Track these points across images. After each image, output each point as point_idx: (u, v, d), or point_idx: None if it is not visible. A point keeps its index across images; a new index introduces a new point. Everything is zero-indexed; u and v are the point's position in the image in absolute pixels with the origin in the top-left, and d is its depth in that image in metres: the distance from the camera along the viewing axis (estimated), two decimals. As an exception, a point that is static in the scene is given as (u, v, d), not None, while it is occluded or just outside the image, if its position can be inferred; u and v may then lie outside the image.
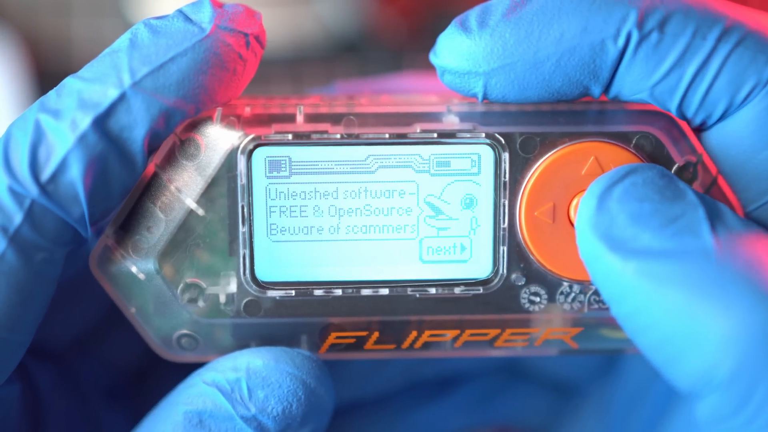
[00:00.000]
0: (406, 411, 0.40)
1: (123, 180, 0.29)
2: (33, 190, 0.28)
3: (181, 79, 0.28)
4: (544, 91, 0.29)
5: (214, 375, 0.30)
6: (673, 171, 0.30)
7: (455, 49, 0.29)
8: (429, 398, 0.40)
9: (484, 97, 0.29)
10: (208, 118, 0.30)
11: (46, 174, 0.28)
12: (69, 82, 0.29)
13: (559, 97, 0.29)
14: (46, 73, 1.07)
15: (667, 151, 0.30)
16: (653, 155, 0.30)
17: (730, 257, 0.26)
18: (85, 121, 0.28)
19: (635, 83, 0.29)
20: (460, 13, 0.30)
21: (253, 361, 0.30)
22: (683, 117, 0.29)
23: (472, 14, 0.29)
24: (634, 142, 0.30)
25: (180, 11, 0.29)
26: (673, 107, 0.29)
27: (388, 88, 0.37)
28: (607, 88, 0.29)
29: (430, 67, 0.32)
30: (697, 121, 0.29)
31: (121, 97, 0.28)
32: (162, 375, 0.37)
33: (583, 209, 0.28)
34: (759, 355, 0.24)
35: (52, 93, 0.29)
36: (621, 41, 0.28)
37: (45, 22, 1.10)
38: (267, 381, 0.29)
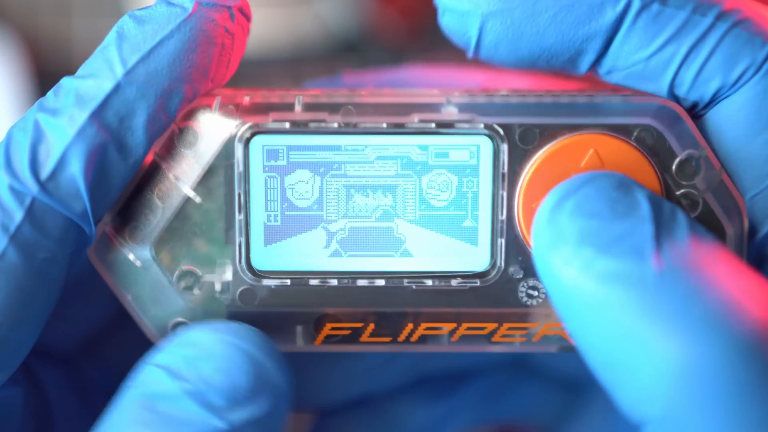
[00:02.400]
0: (413, 408, 0.40)
1: (125, 171, 0.29)
2: (33, 188, 0.28)
3: (172, 61, 0.29)
4: (537, 45, 0.29)
5: (160, 356, 0.29)
6: (674, 164, 0.30)
7: None
8: (437, 395, 0.40)
9: (477, 45, 0.30)
10: (207, 107, 0.30)
11: (46, 171, 0.28)
12: (65, 82, 0.29)
13: (549, 57, 0.30)
14: (46, 73, 1.07)
15: (669, 145, 0.30)
16: (654, 148, 0.30)
17: (670, 283, 0.25)
18: (82, 116, 0.28)
19: (631, 53, 0.29)
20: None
21: (197, 336, 0.29)
22: (675, 97, 0.29)
23: None
24: (635, 134, 0.30)
25: None
26: (665, 83, 0.29)
27: (392, 80, 0.37)
28: (600, 59, 0.29)
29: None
30: (690, 100, 0.29)
31: (116, 88, 0.28)
32: None
33: (536, 221, 0.28)
34: (690, 397, 0.24)
35: (50, 94, 0.29)
36: (620, 7, 0.28)
37: (45, 22, 1.10)
38: (212, 355, 0.28)
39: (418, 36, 1.09)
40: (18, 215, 0.28)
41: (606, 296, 0.25)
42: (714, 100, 0.29)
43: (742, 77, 0.28)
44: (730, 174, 0.30)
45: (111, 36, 0.29)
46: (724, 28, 0.28)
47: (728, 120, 0.29)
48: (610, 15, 0.29)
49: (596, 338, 0.26)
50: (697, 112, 0.30)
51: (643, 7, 0.28)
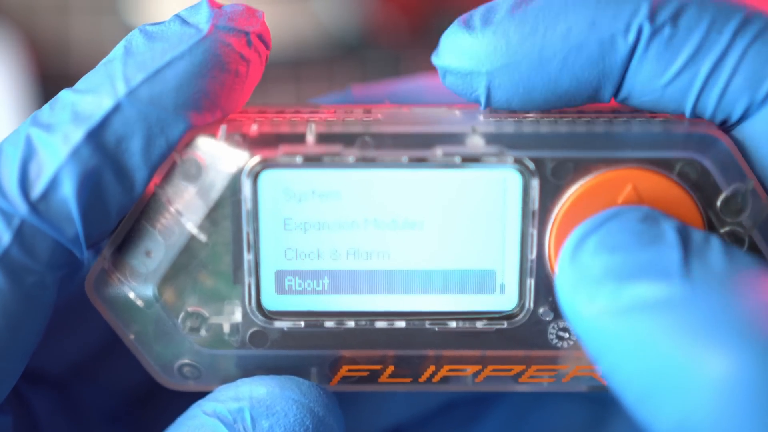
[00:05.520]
0: None
1: (120, 197, 0.28)
2: (22, 209, 0.27)
3: (180, 84, 0.27)
4: (551, 93, 0.27)
5: (215, 405, 0.28)
6: (719, 201, 0.28)
7: (457, 48, 0.28)
8: (466, 420, 0.39)
9: (488, 102, 0.28)
10: (212, 135, 0.28)
11: (36, 191, 0.27)
12: (63, 95, 0.28)
13: (567, 101, 0.28)
14: (45, 73, 1.08)
15: (713, 180, 0.28)
16: (698, 184, 0.28)
17: (702, 299, 0.23)
18: (77, 134, 0.27)
19: (647, 82, 0.27)
20: (461, 12, 0.28)
21: (256, 389, 0.28)
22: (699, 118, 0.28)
23: (477, 12, 0.28)
24: (677, 169, 0.28)
25: (177, 15, 0.28)
26: (687, 108, 0.27)
27: (403, 93, 0.35)
28: (617, 90, 0.28)
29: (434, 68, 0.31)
30: (717, 121, 0.28)
31: (116, 108, 0.27)
32: (164, 399, 0.35)
33: (559, 262, 0.26)
34: (738, 411, 0.22)
35: (45, 107, 0.28)
36: (632, 36, 0.27)
37: (45, 22, 1.10)
38: (272, 410, 0.28)
39: (418, 36, 1.09)
40: (5, 237, 0.27)
41: (636, 326, 0.24)
42: (744, 117, 0.27)
43: None
44: (765, 189, 0.28)
45: (118, 50, 0.28)
46: (744, 43, 0.26)
47: (757, 135, 0.27)
48: (623, 48, 0.27)
49: (631, 372, 0.24)
50: (727, 127, 0.28)
51: (655, 32, 0.26)
